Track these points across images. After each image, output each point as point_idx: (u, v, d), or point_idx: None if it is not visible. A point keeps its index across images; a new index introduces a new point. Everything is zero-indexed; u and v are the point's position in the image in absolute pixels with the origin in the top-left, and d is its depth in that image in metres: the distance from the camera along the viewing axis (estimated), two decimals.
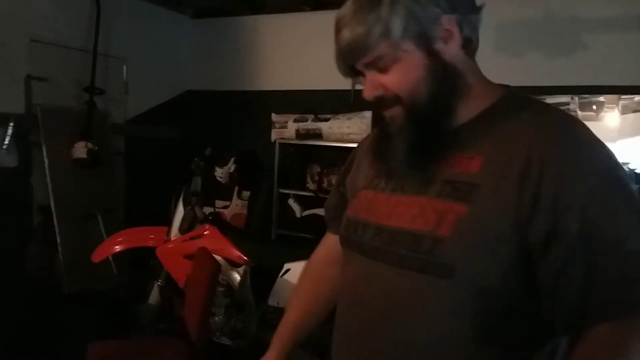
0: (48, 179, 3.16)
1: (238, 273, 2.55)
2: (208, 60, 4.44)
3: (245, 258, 2.50)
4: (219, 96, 4.35)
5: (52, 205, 3.16)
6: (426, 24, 0.78)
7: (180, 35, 4.37)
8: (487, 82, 0.88)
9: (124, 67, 3.77)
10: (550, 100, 2.91)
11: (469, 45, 0.83)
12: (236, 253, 2.50)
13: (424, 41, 0.79)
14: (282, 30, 4.08)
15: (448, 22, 0.79)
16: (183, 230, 2.61)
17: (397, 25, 0.77)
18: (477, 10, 0.83)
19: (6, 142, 2.98)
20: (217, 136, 4.04)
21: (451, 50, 0.81)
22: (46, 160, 3.16)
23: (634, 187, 0.79)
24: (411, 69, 0.80)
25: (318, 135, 3.67)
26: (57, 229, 3.16)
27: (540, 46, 3.15)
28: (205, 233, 2.57)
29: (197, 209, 2.53)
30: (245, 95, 4.23)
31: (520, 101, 0.85)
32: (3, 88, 3.01)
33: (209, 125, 4.24)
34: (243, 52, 4.25)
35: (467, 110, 0.84)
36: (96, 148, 3.28)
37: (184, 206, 2.62)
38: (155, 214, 2.94)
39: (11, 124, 2.98)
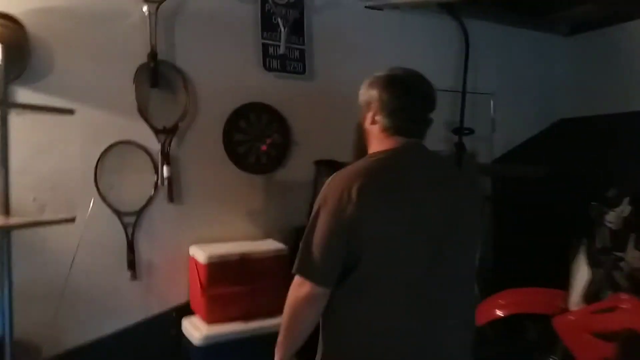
0: None
1: None
2: (587, 81, 3.72)
3: None
4: (602, 121, 3.56)
5: None
6: None
7: (551, 57, 3.84)
8: None
9: (491, 103, 3.49)
10: None
11: None
12: None
13: None
14: None
15: None
16: (589, 297, 2.01)
17: None
18: None
19: None
20: (600, 171, 3.29)
21: None
22: None
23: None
24: None
25: None
26: None
27: None
28: (622, 306, 1.91)
29: (615, 273, 1.90)
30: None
31: None
32: None
33: (589, 159, 3.48)
34: (637, 64, 3.38)
35: None
36: None
37: (590, 266, 2.02)
38: (528, 267, 2.56)
39: None
